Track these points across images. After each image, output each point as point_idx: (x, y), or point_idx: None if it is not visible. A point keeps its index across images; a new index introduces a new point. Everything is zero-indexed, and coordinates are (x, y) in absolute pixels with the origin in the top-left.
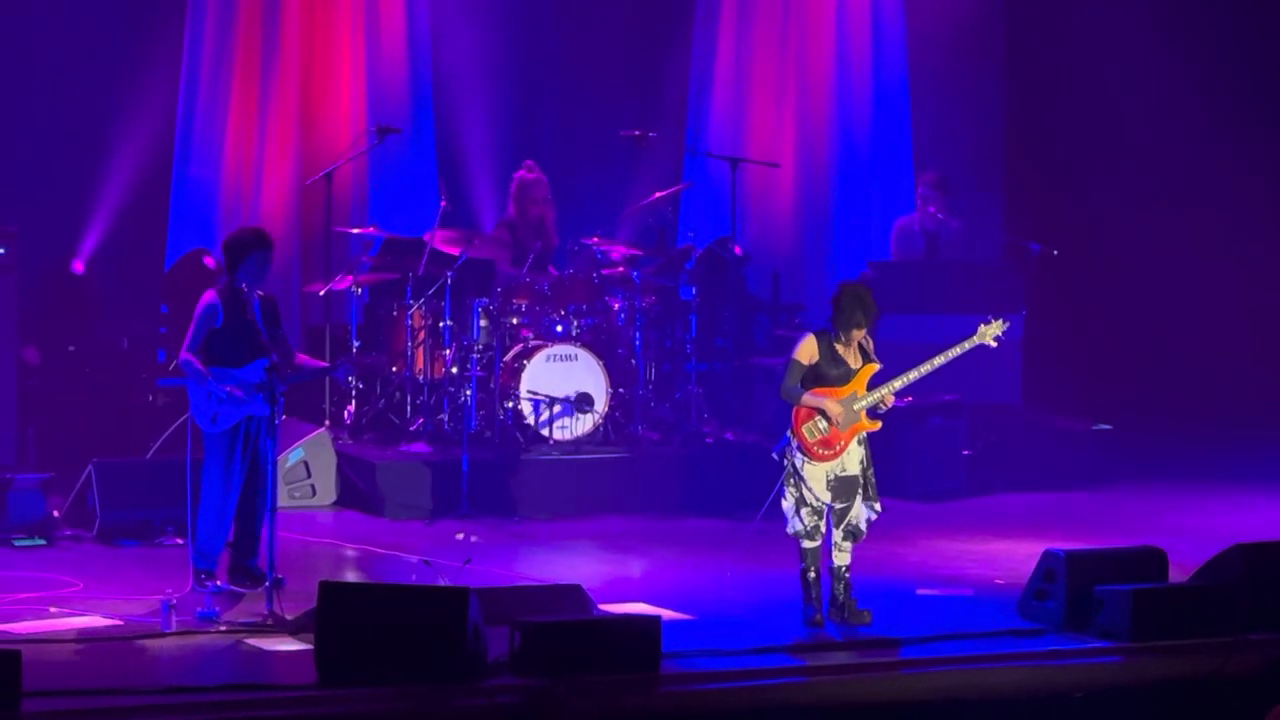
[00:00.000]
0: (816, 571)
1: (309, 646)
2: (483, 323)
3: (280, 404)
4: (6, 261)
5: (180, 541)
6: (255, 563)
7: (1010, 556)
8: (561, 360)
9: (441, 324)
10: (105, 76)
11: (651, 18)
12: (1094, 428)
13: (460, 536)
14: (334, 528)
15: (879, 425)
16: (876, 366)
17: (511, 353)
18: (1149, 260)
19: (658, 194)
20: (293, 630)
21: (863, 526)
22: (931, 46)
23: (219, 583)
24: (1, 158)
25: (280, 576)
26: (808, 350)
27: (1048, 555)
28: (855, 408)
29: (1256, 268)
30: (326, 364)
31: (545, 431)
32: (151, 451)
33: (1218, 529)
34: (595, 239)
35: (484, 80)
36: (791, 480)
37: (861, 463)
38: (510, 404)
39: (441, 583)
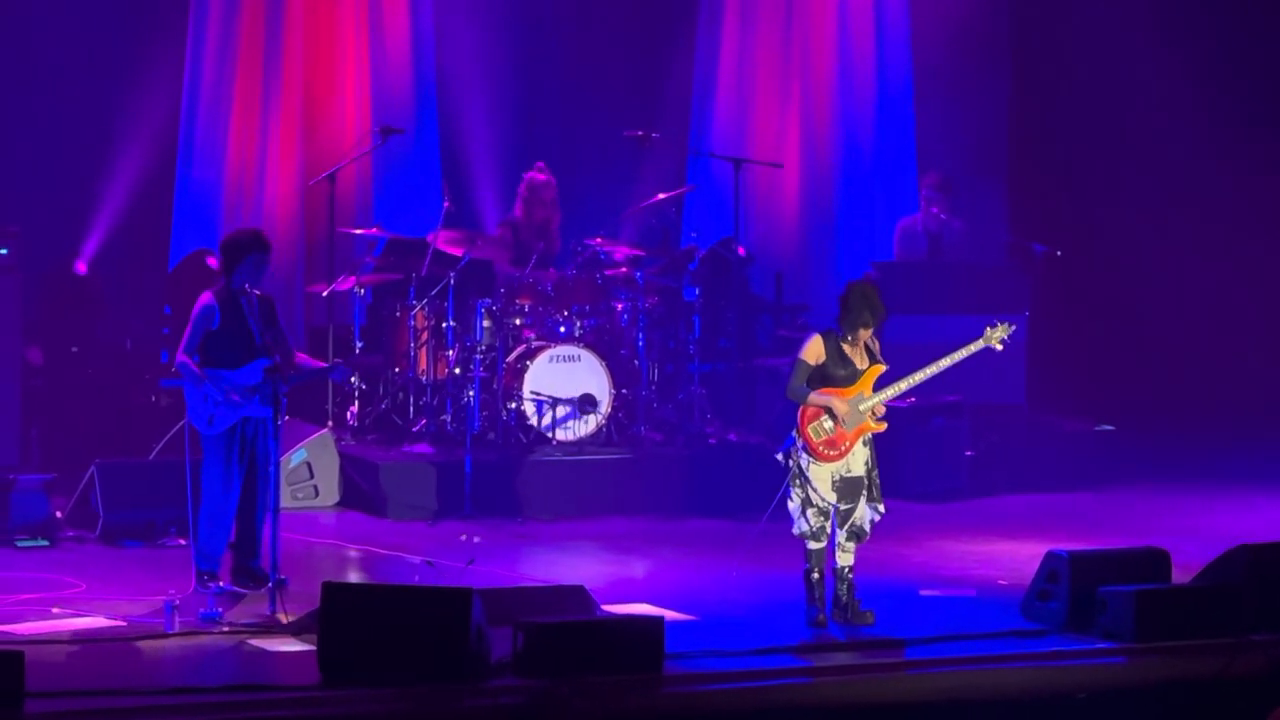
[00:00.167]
0: (820, 572)
1: (312, 647)
2: (485, 323)
3: (283, 404)
4: (9, 262)
5: (183, 542)
6: (257, 563)
7: (1013, 557)
8: (564, 361)
9: (444, 325)
10: (108, 77)
11: (654, 18)
12: (1097, 428)
13: (464, 538)
14: (337, 528)
15: (884, 426)
16: (883, 367)
17: (514, 353)
18: (1152, 261)
19: (661, 195)
20: (295, 631)
21: (867, 527)
22: (935, 46)
23: (221, 583)
24: (4, 158)
25: (283, 577)
26: (814, 350)
27: (1051, 556)
28: (861, 408)
29: (1259, 268)
30: (325, 365)
31: (548, 432)
32: (154, 452)
33: (1221, 529)
34: (598, 240)
35: (487, 81)
36: (797, 481)
37: (866, 464)
38: (513, 405)
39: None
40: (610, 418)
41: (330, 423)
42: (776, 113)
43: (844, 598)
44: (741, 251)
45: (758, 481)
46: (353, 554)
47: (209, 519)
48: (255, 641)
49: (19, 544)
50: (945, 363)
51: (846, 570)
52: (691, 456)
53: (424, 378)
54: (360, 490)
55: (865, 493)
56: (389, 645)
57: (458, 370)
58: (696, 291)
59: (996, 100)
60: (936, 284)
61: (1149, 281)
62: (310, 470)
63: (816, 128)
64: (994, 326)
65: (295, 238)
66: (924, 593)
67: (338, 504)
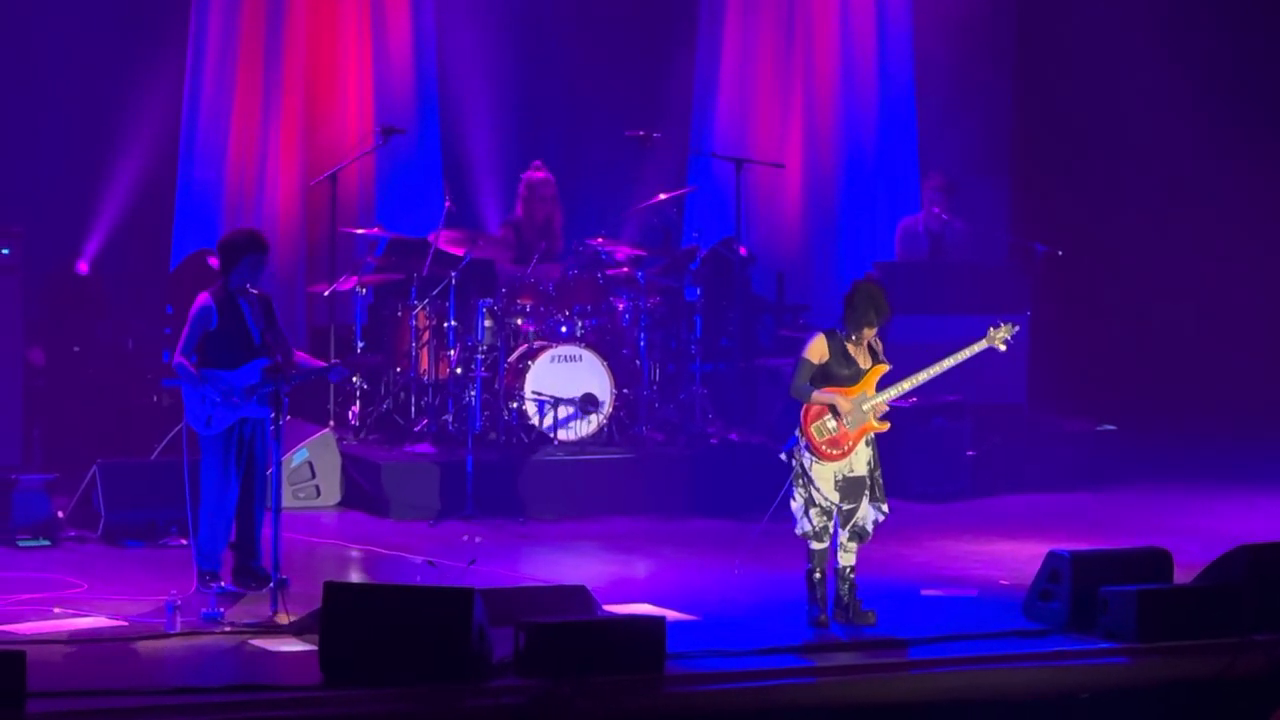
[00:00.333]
0: (822, 572)
1: (313, 647)
2: (487, 323)
3: (285, 404)
4: (11, 262)
5: (184, 542)
6: (258, 563)
7: (1015, 557)
8: (566, 361)
9: (446, 324)
10: (109, 77)
11: (655, 17)
12: (1098, 428)
13: (466, 538)
14: (338, 528)
15: (887, 426)
16: (886, 367)
17: (516, 353)
18: (1154, 261)
19: (662, 195)
20: (297, 631)
21: (869, 528)
22: (937, 46)
23: (223, 583)
24: (6, 158)
25: (285, 577)
26: (818, 349)
27: (1052, 556)
28: (865, 408)
29: (1262, 268)
30: (324, 364)
31: (550, 432)
32: (156, 452)
33: (1223, 530)
34: (600, 239)
35: (489, 81)
36: (800, 481)
37: (869, 464)
38: (515, 405)
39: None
40: (612, 418)
41: (332, 422)
42: (778, 113)
43: (846, 598)
44: (743, 251)
45: (759, 482)
46: (354, 554)
47: (208, 519)
48: (257, 641)
49: (21, 544)
50: (949, 362)
51: (848, 570)
52: (693, 456)
53: (426, 378)
54: (362, 490)
55: (868, 493)
56: (391, 645)
57: (459, 370)
58: (698, 291)
59: (998, 100)
60: (938, 284)
61: (1151, 281)
62: (312, 470)
63: (818, 128)
64: (997, 327)
65: (297, 238)
66: (926, 593)
67: (339, 504)
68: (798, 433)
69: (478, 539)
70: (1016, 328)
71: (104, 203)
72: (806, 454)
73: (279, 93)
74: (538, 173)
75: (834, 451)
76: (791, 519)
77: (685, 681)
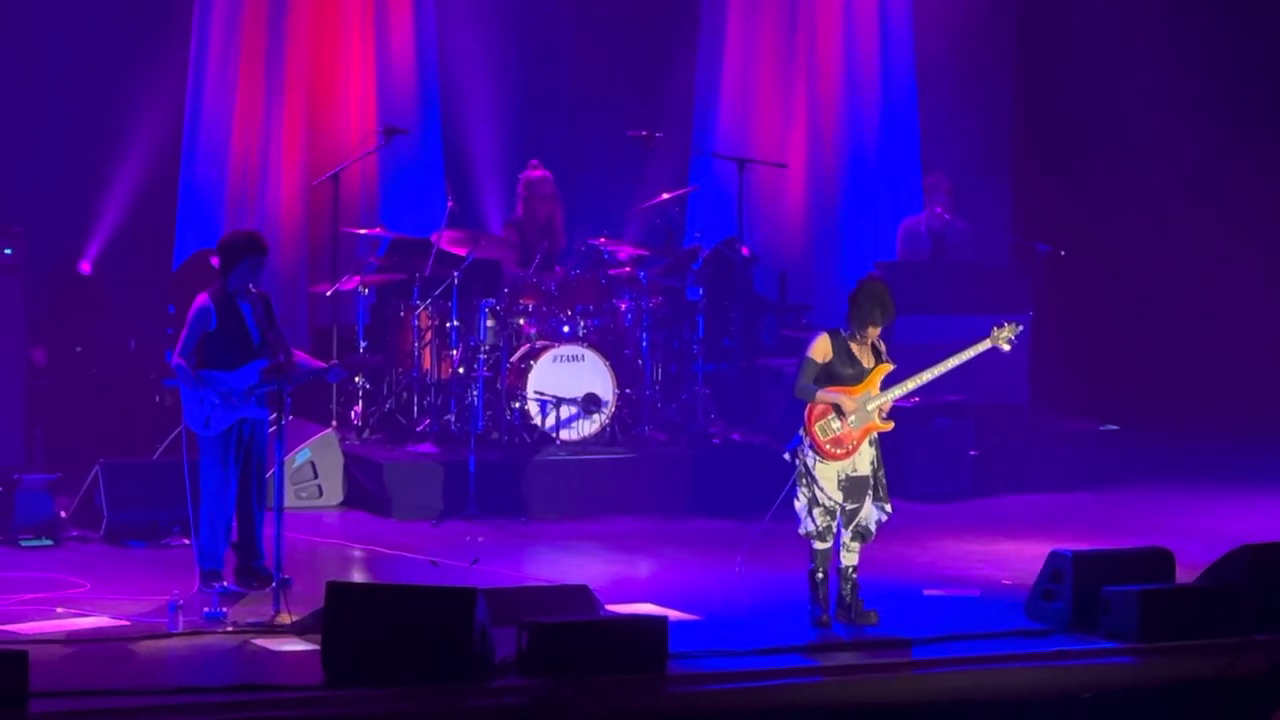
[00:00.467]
0: (825, 572)
1: (315, 647)
2: (489, 323)
3: (287, 404)
4: (13, 262)
5: (187, 542)
6: (260, 563)
7: (1017, 557)
8: (568, 361)
9: (448, 324)
10: (111, 76)
11: (657, 17)
12: (1100, 428)
13: (469, 538)
14: (341, 528)
15: (891, 425)
16: (890, 367)
17: (518, 353)
18: (1156, 261)
19: (665, 195)
20: (299, 631)
21: (872, 528)
22: (940, 46)
23: (225, 583)
24: (8, 158)
25: (287, 577)
26: (822, 349)
27: (1054, 556)
28: (869, 407)
29: (1263, 268)
30: (323, 365)
31: (552, 432)
32: (158, 452)
33: (1225, 530)
34: (602, 239)
35: (491, 81)
36: (804, 480)
37: (873, 463)
38: (517, 404)
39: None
40: (614, 417)
41: (334, 422)
42: (780, 112)
43: (848, 598)
44: (745, 251)
45: (761, 481)
46: (357, 554)
47: (209, 520)
48: (259, 641)
49: (23, 544)
50: (953, 362)
51: (851, 570)
52: (695, 456)
53: (428, 377)
54: (364, 490)
55: (871, 492)
56: (393, 645)
57: (462, 370)
58: (700, 291)
59: (1000, 100)
60: (940, 284)
61: (1152, 281)
62: (314, 470)
63: (820, 128)
64: (1001, 326)
65: (299, 238)
66: (928, 593)
67: (342, 504)
68: (801, 432)
69: (480, 539)
70: (1020, 327)
71: (106, 202)
72: (810, 453)
73: (281, 92)
74: (535, 171)
75: (838, 451)
76: (793, 519)
77: (687, 681)
